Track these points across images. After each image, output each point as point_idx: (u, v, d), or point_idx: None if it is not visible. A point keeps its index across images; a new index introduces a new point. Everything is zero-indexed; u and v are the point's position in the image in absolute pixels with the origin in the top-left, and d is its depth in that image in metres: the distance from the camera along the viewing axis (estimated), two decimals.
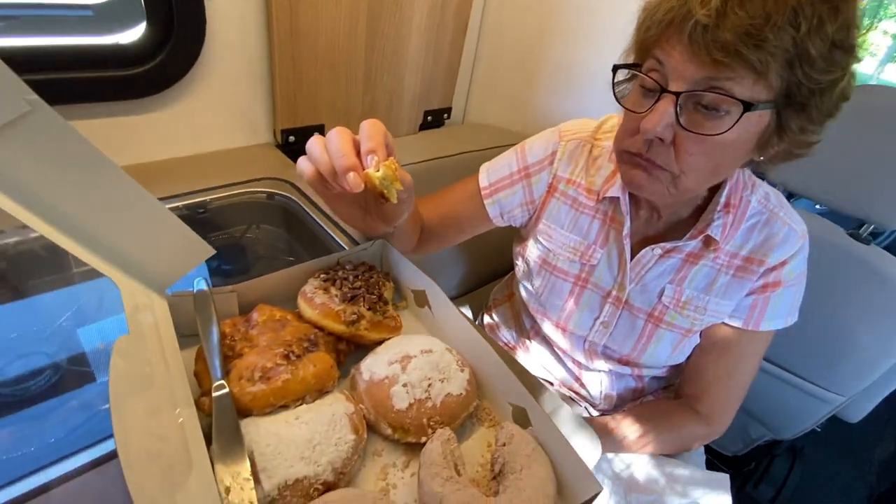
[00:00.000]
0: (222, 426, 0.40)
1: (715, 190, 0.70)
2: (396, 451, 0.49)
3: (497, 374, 0.53)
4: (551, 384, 0.97)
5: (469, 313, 1.24)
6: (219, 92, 0.90)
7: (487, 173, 0.84)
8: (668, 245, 0.71)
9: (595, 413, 0.95)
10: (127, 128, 0.82)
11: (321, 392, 0.46)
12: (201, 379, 0.46)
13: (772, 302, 0.71)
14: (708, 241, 0.70)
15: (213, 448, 0.39)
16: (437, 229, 0.85)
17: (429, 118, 1.30)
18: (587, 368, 0.89)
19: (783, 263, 0.69)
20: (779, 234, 0.69)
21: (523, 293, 0.92)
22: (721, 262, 0.71)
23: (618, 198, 0.73)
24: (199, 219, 0.80)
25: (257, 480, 0.39)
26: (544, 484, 0.43)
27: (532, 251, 0.86)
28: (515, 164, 0.82)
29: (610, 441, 0.76)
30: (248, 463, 0.38)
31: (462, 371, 0.52)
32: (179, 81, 0.83)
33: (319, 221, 0.84)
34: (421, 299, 0.63)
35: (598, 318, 0.80)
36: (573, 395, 0.96)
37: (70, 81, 0.74)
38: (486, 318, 1.10)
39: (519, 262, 0.91)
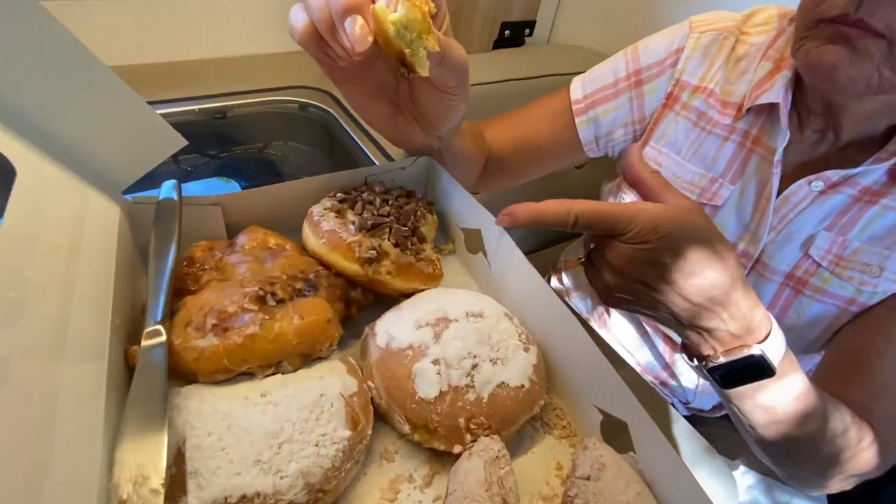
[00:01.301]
0: (140, 394, 0.25)
1: None
2: (417, 455, 0.32)
3: (580, 362, 0.34)
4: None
5: None
6: None
7: (583, 83, 0.63)
8: (834, 175, 0.49)
9: (684, 412, 0.74)
10: (146, 17, 0.68)
11: (307, 357, 0.31)
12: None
13: None
14: None
15: (120, 428, 0.24)
16: (507, 158, 0.65)
17: (506, 33, 1.06)
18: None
19: None
20: None
21: None
22: None
23: (773, 106, 0.51)
24: (215, 127, 0.66)
25: (181, 490, 0.24)
26: None
27: (629, 189, 0.64)
28: (623, 67, 0.60)
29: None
30: (163, 460, 0.23)
31: (526, 351, 0.34)
32: None
33: (358, 140, 0.67)
34: (474, 242, 0.45)
35: None
36: (658, 385, 0.75)
37: None
38: (554, 283, 0.90)
39: None
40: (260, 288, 0.31)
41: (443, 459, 0.32)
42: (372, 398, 0.32)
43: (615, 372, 0.31)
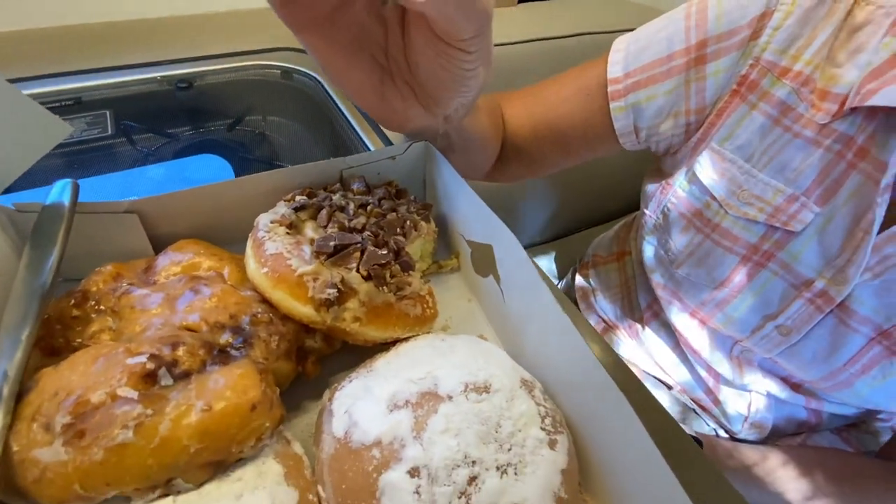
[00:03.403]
0: None
1: None
2: None
3: (629, 457, 0.23)
4: (668, 387, 0.65)
5: (554, 268, 0.93)
6: None
7: (625, 54, 0.47)
8: None
9: (724, 435, 0.63)
10: None
11: (220, 465, 0.20)
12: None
13: None
14: None
15: None
16: (525, 144, 0.53)
17: None
18: (729, 384, 0.57)
19: None
20: None
21: (648, 255, 0.59)
22: None
23: (893, 110, 0.35)
24: (179, 99, 0.55)
25: None
26: None
27: (678, 195, 0.51)
28: (683, 34, 0.45)
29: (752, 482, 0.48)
30: None
31: (552, 447, 0.23)
32: None
33: (348, 115, 0.55)
34: (483, 261, 0.33)
35: (773, 317, 0.47)
36: (697, 407, 0.64)
37: None
38: (579, 280, 0.78)
39: (650, 210, 0.56)
40: (152, 356, 0.21)
41: None
42: None
43: (666, 465, 0.20)
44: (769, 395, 0.54)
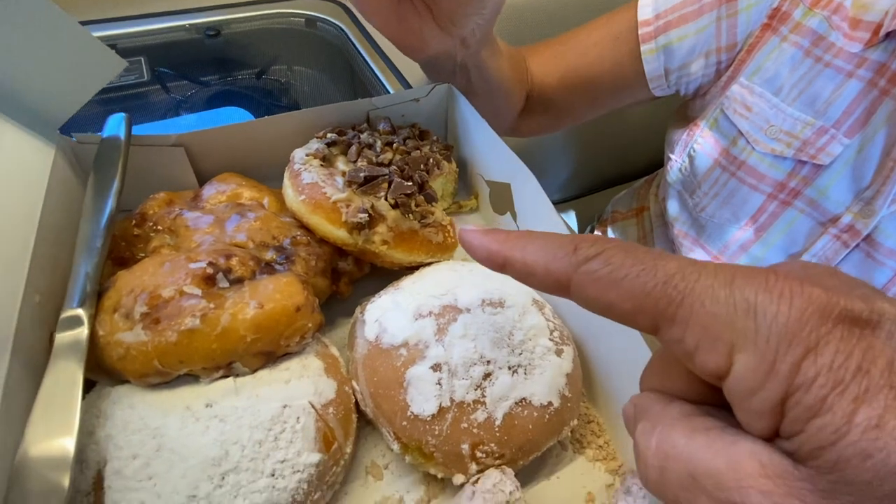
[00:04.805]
0: (48, 401, 0.20)
1: None
2: (411, 474, 0.26)
3: (630, 367, 0.25)
4: None
5: (574, 226, 0.94)
6: None
7: None
8: None
9: None
10: None
11: (270, 356, 0.24)
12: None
13: None
14: None
15: (21, 443, 0.19)
16: (552, 94, 0.53)
17: None
18: None
19: None
20: None
21: (672, 205, 0.59)
22: None
23: None
24: (209, 47, 0.56)
25: None
26: None
27: (705, 134, 0.51)
28: None
29: None
30: (65, 488, 0.17)
31: (559, 355, 0.26)
32: None
33: (373, 64, 0.56)
34: (502, 199, 0.35)
35: (798, 256, 0.48)
36: None
37: None
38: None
39: (675, 155, 0.56)
40: (210, 263, 0.24)
41: (444, 481, 0.25)
42: (357, 401, 0.26)
43: None
44: None
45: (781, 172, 0.46)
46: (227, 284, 0.24)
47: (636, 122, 0.92)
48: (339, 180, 0.29)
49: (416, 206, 0.29)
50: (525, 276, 0.15)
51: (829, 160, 0.43)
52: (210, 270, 0.23)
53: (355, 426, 0.25)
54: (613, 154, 0.97)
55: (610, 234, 0.77)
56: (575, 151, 0.93)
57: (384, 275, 0.31)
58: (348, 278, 0.31)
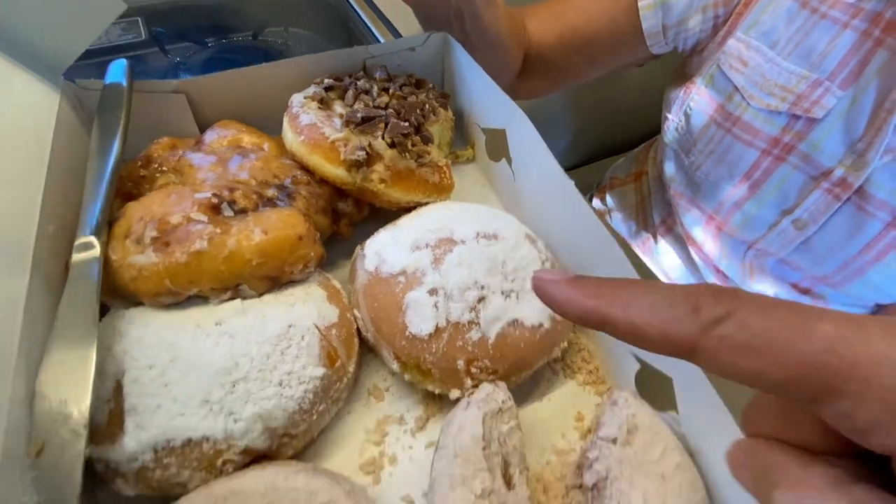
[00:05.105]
0: (68, 318, 0.21)
1: None
2: (411, 395, 0.28)
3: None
4: None
5: None
6: None
7: None
8: None
9: None
10: None
11: (275, 281, 0.25)
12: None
13: None
14: None
15: (43, 357, 0.20)
16: (550, 54, 0.53)
17: None
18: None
19: None
20: None
21: (668, 166, 0.60)
22: None
23: None
24: (203, 8, 0.56)
25: (120, 427, 0.20)
26: None
27: (701, 91, 0.52)
28: None
29: None
30: (87, 396, 0.19)
31: None
32: None
33: (370, 24, 0.56)
34: (497, 146, 0.36)
35: (790, 212, 0.48)
36: None
37: None
38: (595, 203, 0.80)
39: (672, 114, 0.57)
40: (214, 194, 0.25)
41: (441, 401, 0.27)
42: (358, 329, 0.27)
43: None
44: None
45: (776, 128, 0.47)
46: (231, 213, 0.25)
47: (635, 87, 0.91)
48: (337, 122, 0.30)
49: (413, 145, 0.30)
50: (633, 338, 0.12)
51: (822, 113, 0.44)
52: (215, 200, 0.25)
53: (357, 349, 0.26)
54: (612, 122, 0.97)
55: (609, 200, 0.77)
56: (574, 120, 0.93)
57: (383, 217, 0.32)
58: (348, 220, 0.32)
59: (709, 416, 0.22)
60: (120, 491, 0.21)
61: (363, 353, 0.28)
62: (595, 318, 0.13)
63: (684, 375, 0.23)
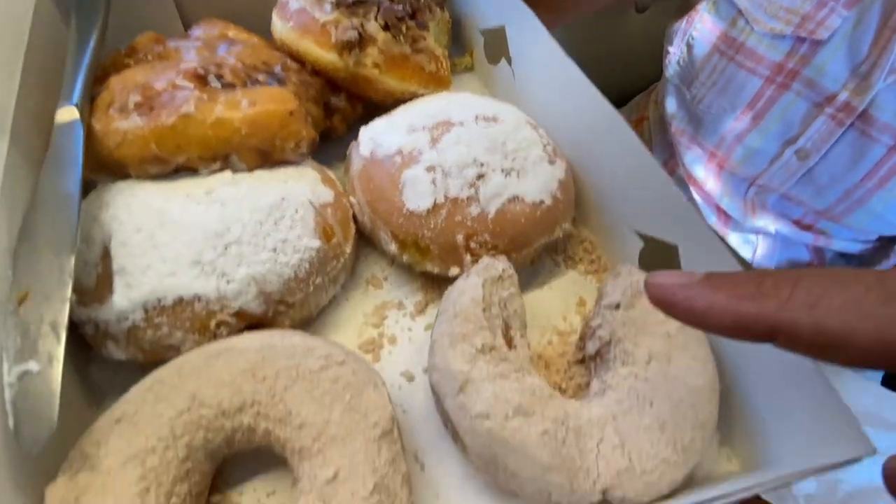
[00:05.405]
0: (50, 181, 0.20)
1: None
2: (410, 283, 0.27)
3: (622, 175, 0.26)
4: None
5: None
6: None
7: None
8: None
9: None
10: None
11: (266, 157, 0.24)
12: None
13: None
14: None
15: (23, 224, 0.19)
16: None
17: None
18: (739, 228, 0.59)
19: None
20: None
21: (669, 102, 0.59)
22: None
23: None
24: None
25: (108, 290, 0.20)
26: (696, 395, 0.19)
27: (704, 19, 0.50)
28: None
29: None
30: (70, 262, 0.18)
31: (552, 164, 0.26)
32: None
33: None
34: (496, 47, 0.35)
35: (792, 142, 0.47)
36: None
37: None
38: None
39: (674, 47, 0.55)
40: (201, 66, 0.24)
41: (440, 287, 0.26)
42: (354, 216, 0.26)
43: (670, 181, 0.23)
44: (776, 236, 0.56)
45: (779, 53, 0.45)
46: (218, 86, 0.24)
47: (637, 37, 0.89)
48: (328, 6, 0.29)
49: (407, 30, 0.29)
50: (825, 351, 0.11)
51: (827, 34, 0.42)
52: (201, 71, 0.23)
53: (354, 234, 0.26)
54: (611, 71, 0.94)
55: None
56: None
57: (379, 114, 0.31)
58: (341, 116, 0.31)
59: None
60: (111, 355, 0.21)
61: (361, 245, 0.27)
62: (762, 327, 0.10)
63: (692, 243, 0.23)
